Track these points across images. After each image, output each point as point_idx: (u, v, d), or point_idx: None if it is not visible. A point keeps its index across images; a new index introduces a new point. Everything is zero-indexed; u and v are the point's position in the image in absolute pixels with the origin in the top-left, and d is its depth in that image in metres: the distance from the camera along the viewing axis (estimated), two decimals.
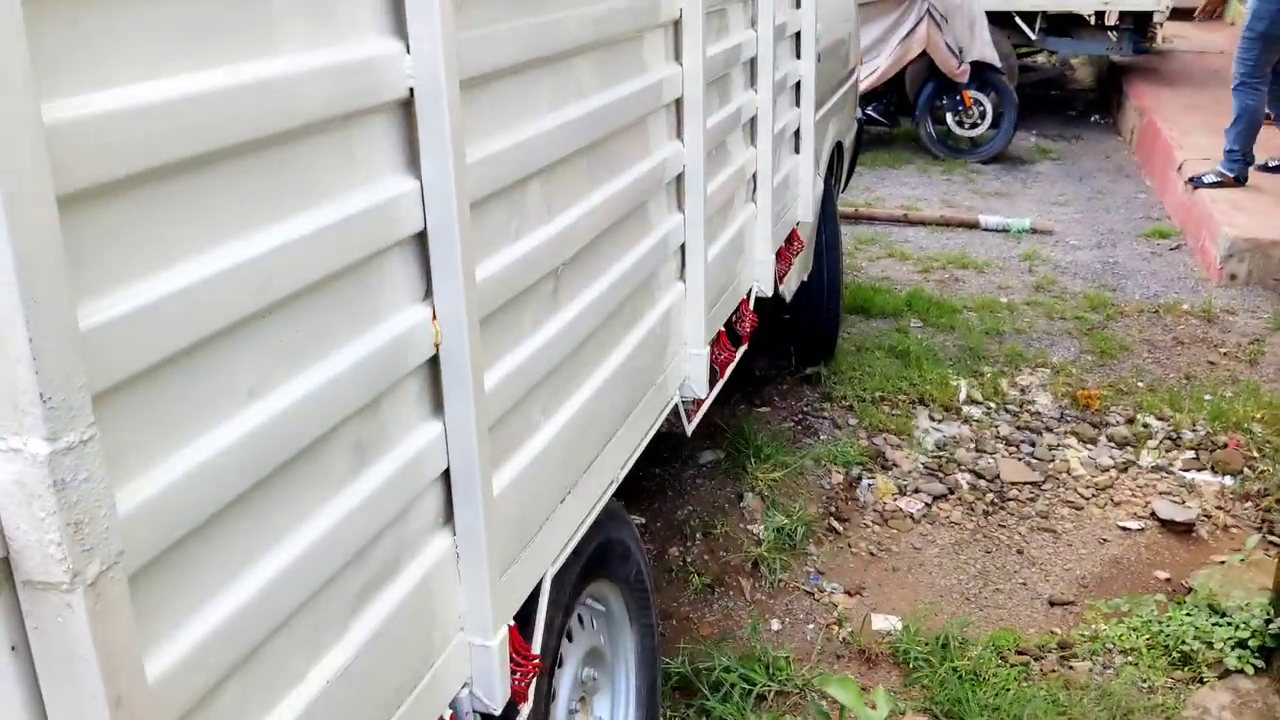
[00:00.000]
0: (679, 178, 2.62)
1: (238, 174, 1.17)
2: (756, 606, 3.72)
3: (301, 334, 1.29)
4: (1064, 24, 10.19)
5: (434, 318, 1.54)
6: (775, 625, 3.65)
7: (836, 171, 5.20)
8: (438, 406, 1.59)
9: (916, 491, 4.38)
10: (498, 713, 1.72)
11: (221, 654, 1.15)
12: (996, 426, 4.84)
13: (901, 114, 9.66)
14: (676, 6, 2.51)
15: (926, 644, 3.43)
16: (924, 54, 8.79)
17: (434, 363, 1.56)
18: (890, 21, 8.77)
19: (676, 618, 3.63)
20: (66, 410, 0.89)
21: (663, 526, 4.08)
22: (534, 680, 1.88)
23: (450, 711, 1.66)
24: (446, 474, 1.62)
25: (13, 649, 0.96)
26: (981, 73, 8.97)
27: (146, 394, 1.05)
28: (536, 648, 1.92)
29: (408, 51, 1.44)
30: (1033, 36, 10.06)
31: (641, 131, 2.39)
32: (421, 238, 1.51)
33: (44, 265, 0.87)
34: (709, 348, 2.83)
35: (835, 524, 4.18)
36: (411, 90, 1.45)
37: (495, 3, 1.67)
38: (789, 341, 5.05)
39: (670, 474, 4.39)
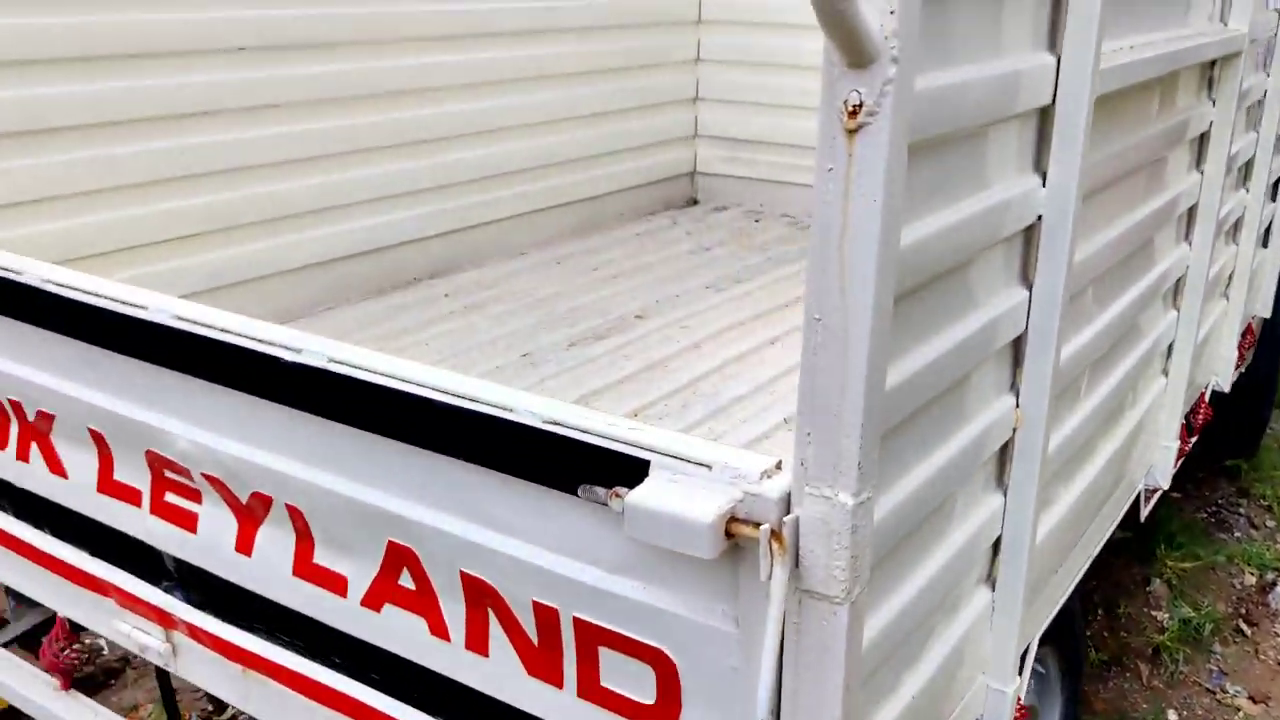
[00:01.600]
0: (1179, 280, 2.75)
1: (933, 290, 1.48)
2: (1154, 693, 3.73)
3: (934, 426, 1.59)
4: None
5: (1016, 407, 1.80)
6: (1172, 716, 3.65)
7: None
8: (1000, 483, 1.85)
9: None
10: None
11: (875, 653, 1.46)
12: None
13: None
14: (1206, 120, 2.64)
15: None
16: None
17: (1004, 446, 1.83)
18: None
19: None
20: (867, 475, 1.22)
21: None
22: None
23: None
24: (996, 541, 1.88)
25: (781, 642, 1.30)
26: None
27: None
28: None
29: (1043, 185, 1.70)
30: None
31: (1161, 238, 2.54)
32: (1018, 339, 1.78)
33: (880, 365, 1.20)
34: (1179, 440, 2.93)
35: (1244, 626, 4.08)
36: (1039, 216, 1.72)
37: (1110, 133, 1.90)
38: (1212, 431, 4.92)
39: None
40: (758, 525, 1.24)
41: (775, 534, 1.24)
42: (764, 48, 4.83)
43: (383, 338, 3.41)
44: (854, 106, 1.11)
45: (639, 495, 1.30)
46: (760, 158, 4.96)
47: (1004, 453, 1.84)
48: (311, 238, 3.65)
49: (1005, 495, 1.85)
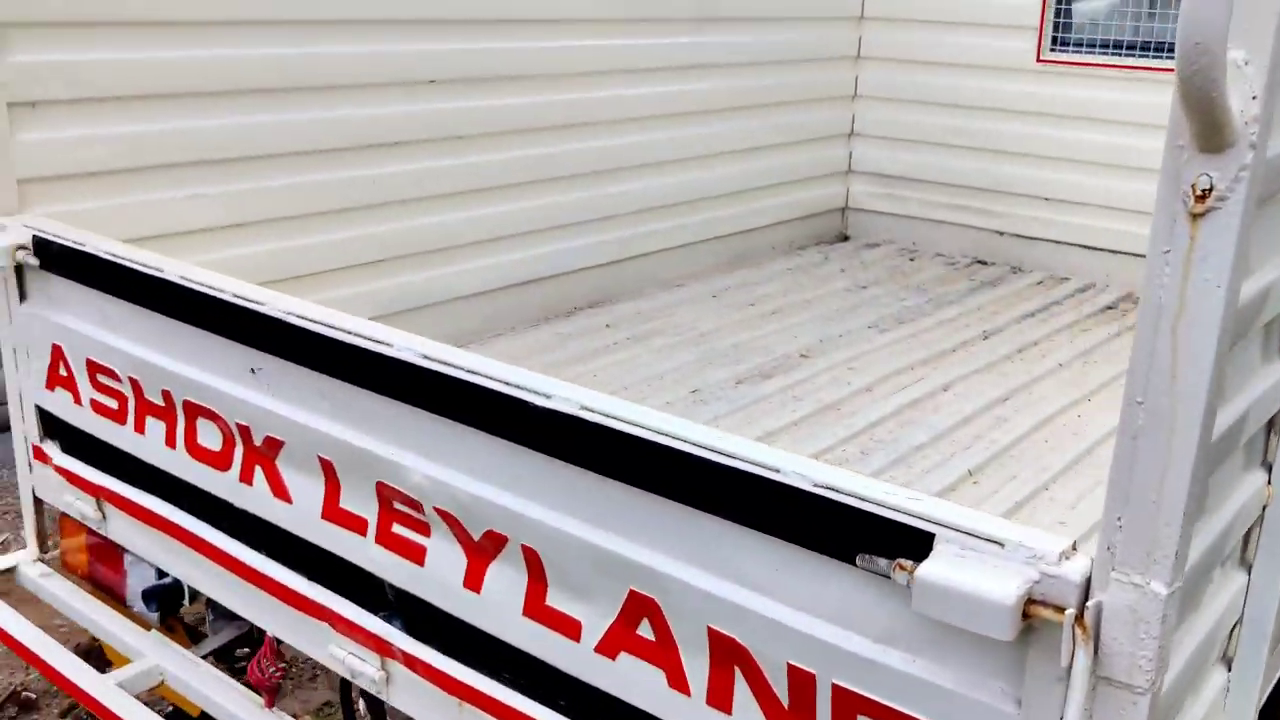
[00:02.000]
0: None
1: None
2: None
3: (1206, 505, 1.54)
4: None
5: (1268, 483, 1.74)
6: None
7: None
8: (1243, 560, 1.79)
9: None
10: None
11: None
12: None
13: None
14: None
15: None
16: None
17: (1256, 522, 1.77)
18: None
19: None
20: (1180, 565, 1.19)
21: None
22: None
23: None
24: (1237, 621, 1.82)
25: None
26: None
27: None
28: None
29: None
30: None
31: None
32: (1273, 419, 1.72)
33: (1206, 452, 1.17)
34: None
35: None
36: None
37: None
38: None
39: None
40: (1060, 609, 1.22)
41: (1079, 619, 1.21)
42: (922, 85, 4.79)
43: (552, 366, 3.45)
44: (1203, 190, 1.09)
45: (930, 570, 1.28)
46: (913, 195, 4.92)
47: (1249, 530, 1.78)
48: (482, 265, 3.72)
49: (1249, 573, 1.79)
